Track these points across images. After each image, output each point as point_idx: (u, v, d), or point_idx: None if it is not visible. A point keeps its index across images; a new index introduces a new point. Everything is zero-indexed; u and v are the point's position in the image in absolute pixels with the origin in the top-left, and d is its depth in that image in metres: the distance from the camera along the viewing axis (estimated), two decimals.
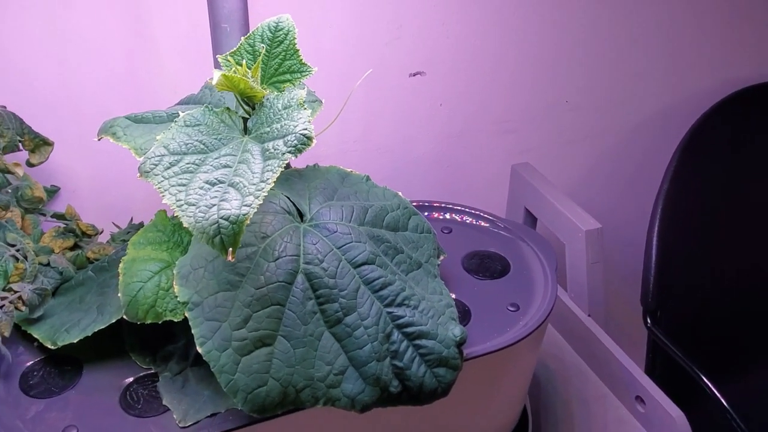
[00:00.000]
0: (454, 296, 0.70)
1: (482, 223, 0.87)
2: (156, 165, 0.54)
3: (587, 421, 0.88)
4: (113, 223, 0.83)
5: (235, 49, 0.61)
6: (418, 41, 1.01)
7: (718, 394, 1.05)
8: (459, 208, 0.89)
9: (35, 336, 0.68)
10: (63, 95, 0.87)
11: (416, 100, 1.05)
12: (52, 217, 0.80)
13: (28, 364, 0.68)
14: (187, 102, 0.72)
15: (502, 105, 1.11)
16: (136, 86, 0.89)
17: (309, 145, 0.53)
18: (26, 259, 0.69)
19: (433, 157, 1.10)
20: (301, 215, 0.66)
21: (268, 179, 0.52)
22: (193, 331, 0.59)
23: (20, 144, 0.78)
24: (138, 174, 0.54)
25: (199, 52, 0.90)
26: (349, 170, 0.74)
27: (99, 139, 0.65)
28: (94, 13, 0.84)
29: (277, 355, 0.59)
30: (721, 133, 1.20)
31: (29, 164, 0.80)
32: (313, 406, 0.60)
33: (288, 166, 0.66)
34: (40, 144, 0.80)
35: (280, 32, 0.61)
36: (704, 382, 1.05)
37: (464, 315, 0.73)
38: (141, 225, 0.83)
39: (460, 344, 0.64)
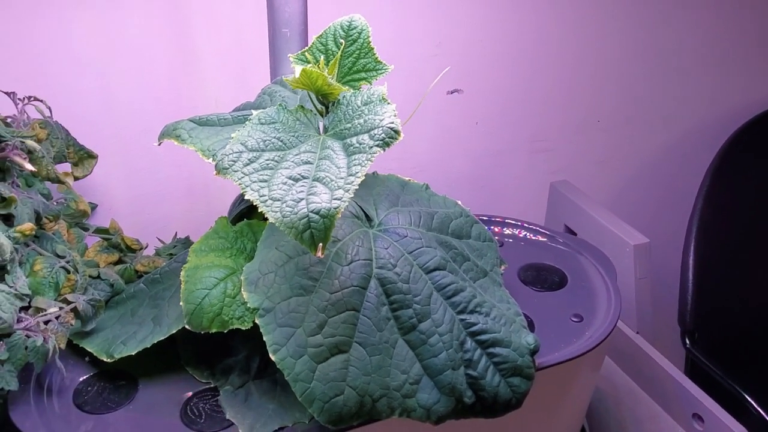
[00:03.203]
0: None
1: (535, 237, 0.85)
2: (234, 162, 0.52)
3: None
4: (157, 238, 0.81)
5: (307, 47, 0.60)
6: (456, 59, 1.00)
7: (762, 413, 1.02)
8: (512, 221, 0.87)
9: (89, 350, 0.65)
10: (102, 109, 0.85)
11: (453, 118, 1.04)
12: (95, 232, 0.77)
13: (81, 379, 0.65)
14: (243, 109, 0.70)
15: (537, 124, 1.10)
16: (177, 100, 0.87)
17: (396, 138, 0.52)
18: (77, 272, 0.66)
19: (470, 175, 1.09)
20: (368, 220, 0.64)
21: (356, 173, 0.50)
22: (265, 338, 0.56)
23: (65, 156, 0.76)
24: (215, 171, 0.52)
25: (241, 66, 0.89)
26: (407, 178, 0.72)
27: (159, 144, 0.63)
28: (136, 26, 0.83)
29: (353, 362, 0.57)
30: (751, 153, 1.19)
31: (72, 177, 0.77)
32: (389, 417, 0.58)
33: None
34: (84, 157, 0.78)
35: (354, 31, 0.60)
36: (747, 400, 1.03)
37: (528, 325, 0.70)
38: (187, 239, 0.81)
39: (533, 353, 0.62)
